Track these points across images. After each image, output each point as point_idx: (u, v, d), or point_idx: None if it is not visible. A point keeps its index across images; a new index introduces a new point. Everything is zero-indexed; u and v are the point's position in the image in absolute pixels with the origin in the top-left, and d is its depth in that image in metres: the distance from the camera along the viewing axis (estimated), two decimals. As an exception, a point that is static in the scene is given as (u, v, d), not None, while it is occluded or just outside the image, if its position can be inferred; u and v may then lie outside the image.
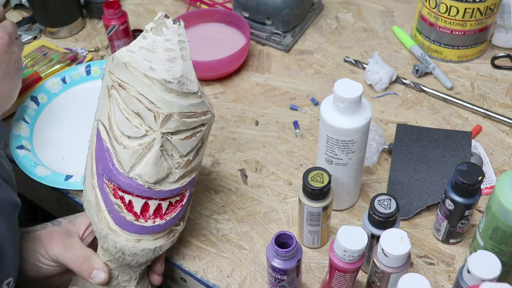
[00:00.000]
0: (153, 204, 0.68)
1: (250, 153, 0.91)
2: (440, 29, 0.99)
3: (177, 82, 0.64)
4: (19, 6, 1.20)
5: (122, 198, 0.68)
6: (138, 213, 0.68)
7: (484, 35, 1.00)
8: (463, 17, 0.96)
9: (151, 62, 0.64)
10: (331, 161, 0.75)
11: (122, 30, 1.02)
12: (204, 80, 1.03)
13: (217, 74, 1.02)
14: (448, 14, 0.96)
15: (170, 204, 0.70)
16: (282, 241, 0.67)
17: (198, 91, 0.66)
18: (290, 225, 0.82)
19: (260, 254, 0.79)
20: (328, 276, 0.71)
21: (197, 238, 0.81)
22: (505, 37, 1.04)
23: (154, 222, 0.69)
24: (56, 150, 0.92)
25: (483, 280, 0.59)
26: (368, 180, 0.87)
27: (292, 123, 0.95)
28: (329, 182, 0.70)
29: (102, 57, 1.09)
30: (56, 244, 0.70)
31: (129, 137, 0.66)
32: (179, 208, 0.71)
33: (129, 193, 0.67)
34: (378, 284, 0.68)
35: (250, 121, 0.96)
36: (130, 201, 0.68)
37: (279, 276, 0.68)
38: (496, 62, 1.03)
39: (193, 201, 0.85)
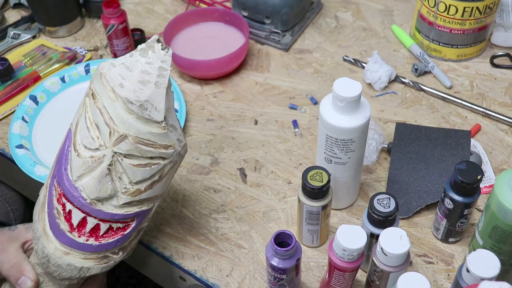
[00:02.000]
0: (91, 222, 0.65)
1: (249, 152, 0.91)
2: (439, 28, 0.99)
3: (139, 105, 0.62)
4: (18, 5, 1.20)
5: (64, 205, 0.66)
6: (74, 226, 0.65)
7: (483, 34, 1.00)
8: (462, 16, 0.96)
9: (124, 79, 0.63)
10: (330, 160, 0.75)
11: (121, 29, 1.02)
12: (203, 79, 1.03)
13: (216, 73, 1.02)
14: (447, 13, 0.96)
15: (110, 228, 0.66)
16: (282, 240, 0.67)
17: (162, 122, 0.63)
18: (289, 224, 0.82)
19: (260, 253, 0.79)
20: (327, 275, 0.71)
21: (196, 237, 0.81)
22: (504, 36, 1.04)
23: (87, 240, 0.65)
24: (55, 150, 0.92)
25: (482, 279, 0.59)
26: (367, 179, 0.87)
27: (291, 122, 0.95)
28: (328, 181, 0.70)
29: (101, 56, 1.09)
30: None
31: (85, 146, 0.64)
32: (119, 236, 0.67)
33: (71, 202, 0.65)
34: (377, 283, 0.68)
35: (249, 120, 0.96)
36: (70, 211, 0.65)
37: (278, 275, 0.68)
38: (495, 61, 1.03)
39: (192, 200, 0.85)
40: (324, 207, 0.72)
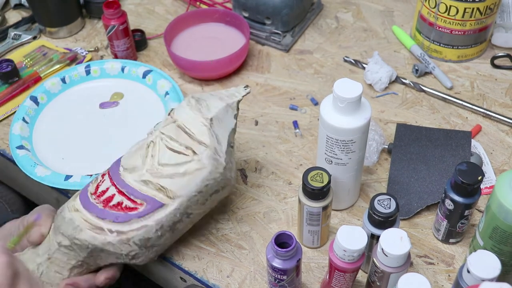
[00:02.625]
0: (111, 191, 0.71)
1: (249, 153, 0.91)
2: (440, 28, 0.99)
3: (196, 99, 0.74)
4: (18, 6, 1.20)
5: (103, 176, 0.73)
6: (98, 191, 0.71)
7: (484, 34, 1.00)
8: (463, 16, 0.96)
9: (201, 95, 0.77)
10: (331, 161, 0.75)
11: (121, 30, 1.02)
12: (204, 80, 1.03)
13: (217, 74, 1.02)
14: (448, 14, 0.96)
15: (120, 203, 0.70)
16: (282, 241, 0.67)
17: (208, 119, 0.71)
18: (290, 225, 0.82)
19: (260, 254, 0.79)
20: (327, 276, 0.71)
21: (197, 238, 0.81)
22: (505, 36, 1.04)
23: (97, 203, 0.70)
24: (56, 150, 0.93)
25: (483, 280, 0.59)
26: (367, 180, 0.87)
27: (291, 123, 0.95)
28: (329, 182, 0.70)
29: (101, 57, 1.09)
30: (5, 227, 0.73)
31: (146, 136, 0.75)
32: (122, 212, 0.69)
33: (109, 175, 0.73)
34: (378, 283, 0.68)
35: (250, 121, 0.96)
36: (103, 180, 0.72)
37: (278, 276, 0.68)
38: (496, 61, 1.03)
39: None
40: (325, 208, 0.72)
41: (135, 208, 0.69)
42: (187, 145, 0.70)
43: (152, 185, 0.69)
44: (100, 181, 0.72)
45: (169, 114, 0.74)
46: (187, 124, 0.71)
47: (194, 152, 0.70)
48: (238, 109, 0.76)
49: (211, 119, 0.72)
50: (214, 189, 0.72)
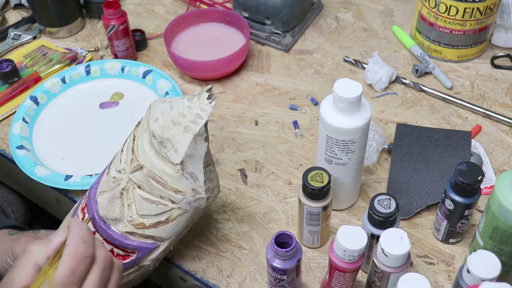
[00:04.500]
0: (98, 239, 0.65)
1: (249, 153, 0.91)
2: (440, 28, 0.99)
3: (160, 141, 0.64)
4: (18, 6, 1.20)
5: (84, 215, 0.70)
6: None
7: (484, 34, 1.00)
8: (463, 16, 0.96)
9: (162, 115, 0.65)
10: (331, 161, 0.75)
11: (121, 30, 1.02)
12: (204, 80, 1.03)
13: (217, 74, 1.02)
14: (448, 14, 0.96)
15: (111, 251, 0.68)
16: (282, 241, 0.67)
17: (177, 164, 0.63)
18: (290, 225, 0.82)
19: (260, 254, 0.79)
20: (328, 276, 0.71)
21: (197, 238, 0.81)
22: (505, 36, 1.04)
23: None
24: (56, 150, 0.92)
25: (483, 280, 0.59)
26: (367, 180, 0.87)
27: (291, 123, 0.95)
28: (329, 182, 0.70)
29: (101, 57, 1.09)
30: (20, 243, 0.67)
31: (115, 168, 0.68)
32: None
33: (89, 213, 0.69)
34: (378, 283, 0.68)
35: (250, 121, 0.96)
36: (88, 221, 0.69)
37: (279, 276, 0.68)
38: (496, 61, 1.03)
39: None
40: (325, 208, 0.72)
41: (128, 256, 0.69)
42: (162, 195, 0.65)
43: (139, 235, 0.67)
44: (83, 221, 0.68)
45: (136, 126, 0.69)
46: (157, 172, 0.64)
47: (172, 201, 0.66)
48: (207, 130, 0.66)
49: (181, 163, 0.63)
50: (200, 214, 0.71)
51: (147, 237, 0.68)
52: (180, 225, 0.69)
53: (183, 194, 0.65)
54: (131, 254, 0.69)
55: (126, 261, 0.69)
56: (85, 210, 0.70)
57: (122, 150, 0.69)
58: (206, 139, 0.66)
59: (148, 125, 0.65)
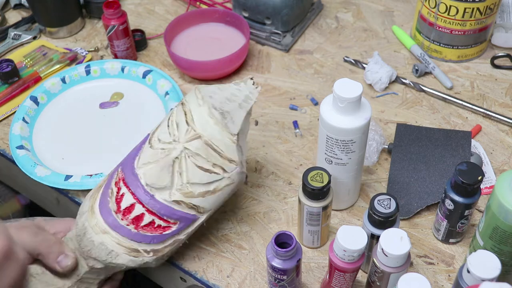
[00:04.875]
0: (138, 209, 0.68)
1: (249, 153, 0.91)
2: (440, 28, 0.99)
3: (220, 112, 0.68)
4: (18, 6, 1.20)
5: (119, 189, 0.69)
6: (122, 209, 0.68)
7: (484, 34, 1.00)
8: (463, 16, 0.96)
9: (214, 94, 0.71)
10: (331, 161, 0.75)
11: (121, 30, 1.02)
12: (204, 80, 1.03)
13: (217, 74, 1.02)
14: (448, 14, 0.96)
15: (152, 222, 0.68)
16: (282, 241, 0.67)
17: (235, 135, 0.68)
18: (290, 225, 0.82)
19: (260, 254, 0.79)
20: (328, 276, 0.71)
21: (197, 238, 0.81)
22: (505, 36, 1.04)
23: (128, 225, 0.68)
24: (56, 150, 0.93)
25: (483, 280, 0.59)
26: (367, 180, 0.87)
27: (291, 123, 0.95)
28: (329, 182, 0.70)
29: (101, 57, 1.09)
30: (25, 231, 0.66)
31: (159, 140, 0.69)
32: (157, 234, 0.69)
33: (127, 186, 0.69)
34: (378, 283, 0.68)
35: (250, 121, 0.96)
36: (123, 194, 0.69)
37: (279, 276, 0.68)
38: (496, 61, 1.03)
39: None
40: (325, 208, 0.72)
41: (169, 227, 0.69)
42: (216, 163, 0.68)
43: (185, 205, 0.69)
44: (118, 194, 0.69)
45: (181, 103, 0.72)
46: (215, 141, 0.68)
47: (224, 170, 0.69)
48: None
49: (237, 135, 0.69)
50: (231, 194, 0.73)
51: (192, 207, 0.69)
52: (222, 199, 0.71)
53: (235, 164, 0.69)
54: (172, 225, 0.69)
55: (167, 232, 0.69)
56: (120, 184, 0.69)
57: (167, 125, 0.70)
58: (249, 115, 0.73)
59: (203, 100, 0.69)
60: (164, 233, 0.69)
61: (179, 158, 0.68)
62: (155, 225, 0.69)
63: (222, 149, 0.68)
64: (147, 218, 0.68)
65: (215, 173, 0.69)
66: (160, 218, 0.69)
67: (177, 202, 0.68)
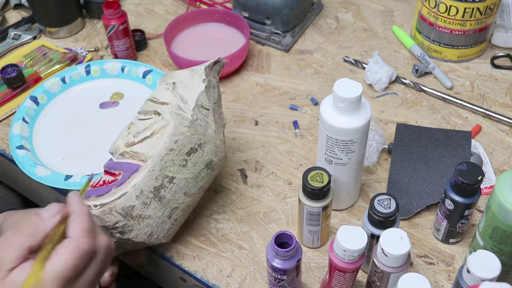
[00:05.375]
0: (100, 179, 0.75)
1: (249, 153, 0.91)
2: (440, 28, 0.99)
3: (171, 84, 0.77)
4: (18, 6, 1.20)
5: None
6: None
7: (484, 34, 1.00)
8: (463, 16, 0.96)
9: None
10: (331, 161, 0.75)
11: (121, 30, 1.02)
12: (204, 80, 1.03)
13: (217, 74, 1.02)
14: (448, 14, 0.96)
15: (104, 182, 0.74)
16: (282, 241, 0.67)
17: (170, 84, 0.75)
18: (290, 225, 0.82)
19: (260, 254, 0.79)
20: (328, 276, 0.71)
21: (197, 238, 0.81)
22: (505, 36, 1.04)
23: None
24: (56, 150, 0.92)
25: (483, 280, 0.59)
26: (367, 180, 0.87)
27: (291, 123, 0.95)
28: (329, 182, 0.70)
29: (101, 57, 1.09)
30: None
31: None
32: (104, 186, 0.72)
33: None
34: (378, 283, 0.68)
35: (250, 121, 0.96)
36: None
37: (279, 276, 0.68)
38: (496, 61, 1.03)
39: (193, 201, 0.85)
40: (325, 208, 0.72)
41: (114, 180, 0.72)
42: (152, 111, 0.74)
43: (127, 154, 0.73)
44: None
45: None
46: (154, 95, 0.76)
47: (158, 113, 0.73)
48: (211, 75, 0.78)
49: (173, 83, 0.75)
50: (188, 146, 0.73)
51: (133, 155, 0.72)
52: (163, 145, 0.71)
53: (167, 104, 0.73)
54: (118, 176, 0.73)
55: (112, 183, 0.72)
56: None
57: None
58: (205, 81, 0.77)
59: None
60: (109, 184, 0.72)
61: (133, 122, 0.75)
62: (106, 182, 0.73)
63: (158, 97, 0.75)
64: (102, 179, 0.74)
65: (150, 118, 0.73)
66: (108, 173, 0.74)
67: (121, 154, 0.73)
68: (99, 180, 0.74)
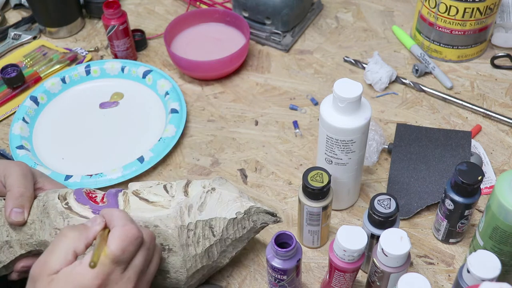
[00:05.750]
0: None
1: (249, 153, 0.91)
2: (440, 28, 0.99)
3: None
4: (18, 6, 1.20)
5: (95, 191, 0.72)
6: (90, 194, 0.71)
7: (484, 34, 1.00)
8: (463, 16, 0.96)
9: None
10: (331, 161, 0.75)
11: (121, 30, 1.02)
12: (204, 80, 1.03)
13: (217, 74, 1.02)
14: (448, 14, 0.96)
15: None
16: (282, 241, 0.67)
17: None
18: (290, 225, 0.82)
19: (260, 254, 0.79)
20: (328, 276, 0.71)
21: (197, 238, 0.81)
22: (505, 36, 1.04)
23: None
24: (56, 150, 0.93)
25: (483, 280, 0.59)
26: (367, 179, 0.87)
27: (291, 123, 0.95)
28: (329, 182, 0.70)
29: (101, 57, 1.09)
30: (18, 166, 0.69)
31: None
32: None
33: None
34: (378, 284, 0.68)
35: (250, 121, 0.96)
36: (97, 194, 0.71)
37: (279, 276, 0.68)
38: (496, 61, 1.03)
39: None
40: (325, 208, 0.72)
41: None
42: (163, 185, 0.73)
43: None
44: (93, 193, 0.72)
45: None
46: (190, 185, 0.72)
47: (167, 191, 0.71)
48: (249, 219, 0.71)
49: (212, 188, 0.71)
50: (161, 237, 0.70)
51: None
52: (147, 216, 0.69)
53: (186, 197, 0.70)
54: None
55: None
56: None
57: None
58: (242, 237, 0.72)
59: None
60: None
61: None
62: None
63: (191, 188, 0.71)
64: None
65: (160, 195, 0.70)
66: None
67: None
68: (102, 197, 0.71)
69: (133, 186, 0.71)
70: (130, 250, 0.57)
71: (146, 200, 0.69)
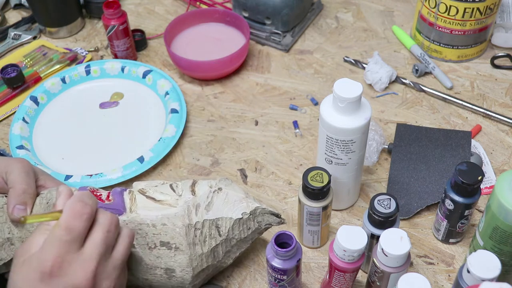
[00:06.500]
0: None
1: (249, 153, 0.91)
2: (440, 28, 0.99)
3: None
4: (18, 6, 1.20)
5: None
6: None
7: (484, 34, 1.00)
8: (463, 16, 0.96)
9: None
10: (331, 161, 0.75)
11: (121, 30, 1.02)
12: (204, 80, 1.03)
13: (217, 74, 1.02)
14: (448, 14, 0.96)
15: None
16: (282, 241, 0.67)
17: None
18: (290, 225, 0.82)
19: (260, 254, 0.79)
20: (328, 276, 0.71)
21: (197, 238, 0.81)
22: (505, 36, 1.04)
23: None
24: (56, 150, 0.93)
25: (483, 280, 0.59)
26: (367, 179, 0.87)
27: (291, 123, 0.95)
28: (329, 182, 0.70)
29: (101, 57, 1.09)
30: (20, 163, 0.69)
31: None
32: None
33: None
34: (378, 283, 0.68)
35: (250, 121, 0.96)
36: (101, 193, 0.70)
37: (279, 276, 0.68)
38: (496, 61, 1.03)
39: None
40: (325, 208, 0.72)
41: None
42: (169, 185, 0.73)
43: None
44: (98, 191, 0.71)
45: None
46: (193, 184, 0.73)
47: (173, 191, 0.72)
48: (254, 220, 0.72)
49: (219, 188, 0.72)
50: (164, 237, 0.70)
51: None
52: (153, 215, 0.69)
53: (193, 196, 0.70)
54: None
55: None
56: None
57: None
58: (247, 238, 0.72)
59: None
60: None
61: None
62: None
63: (197, 187, 0.72)
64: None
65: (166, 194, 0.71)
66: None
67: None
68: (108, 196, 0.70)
69: (138, 185, 0.71)
70: (77, 228, 0.56)
71: (153, 199, 0.69)
